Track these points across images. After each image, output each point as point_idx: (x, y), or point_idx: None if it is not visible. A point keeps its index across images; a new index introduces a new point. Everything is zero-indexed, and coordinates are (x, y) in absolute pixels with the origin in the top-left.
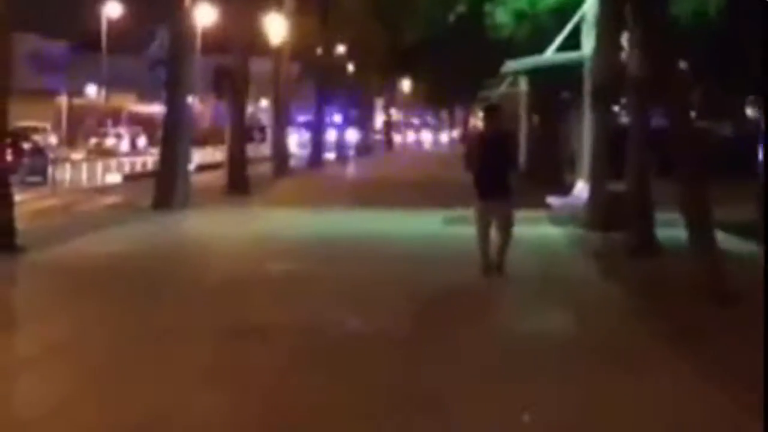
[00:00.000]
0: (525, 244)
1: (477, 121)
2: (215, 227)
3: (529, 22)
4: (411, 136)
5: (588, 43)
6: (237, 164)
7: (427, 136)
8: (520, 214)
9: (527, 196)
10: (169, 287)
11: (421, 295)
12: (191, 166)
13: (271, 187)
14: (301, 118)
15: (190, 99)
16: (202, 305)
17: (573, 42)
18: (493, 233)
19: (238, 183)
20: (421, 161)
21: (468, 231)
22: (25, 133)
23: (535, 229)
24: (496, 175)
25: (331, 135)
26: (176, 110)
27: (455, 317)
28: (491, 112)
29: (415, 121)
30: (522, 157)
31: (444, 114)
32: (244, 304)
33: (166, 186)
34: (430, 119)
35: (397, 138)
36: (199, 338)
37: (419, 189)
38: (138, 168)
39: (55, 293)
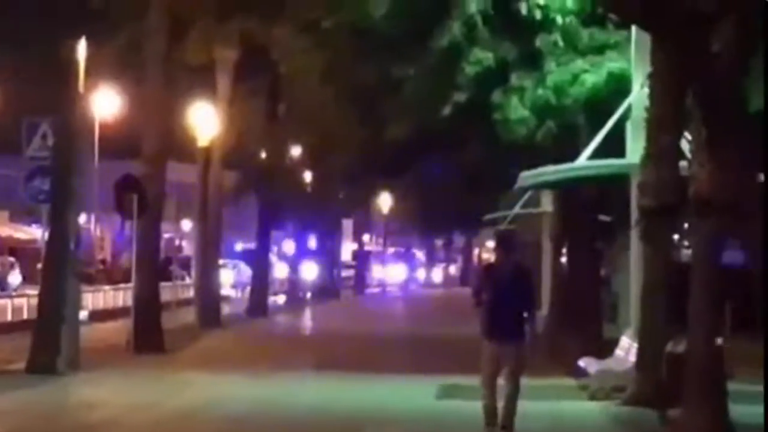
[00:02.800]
0: (546, 427)
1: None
2: (115, 402)
3: (554, 119)
4: (392, 270)
5: (635, 149)
6: (147, 311)
7: (413, 272)
8: (541, 384)
9: (551, 357)
10: None
11: None
12: (83, 314)
13: (196, 342)
14: (239, 247)
15: (82, 219)
16: None
17: (615, 146)
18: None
19: (149, 337)
20: (406, 308)
21: (471, 407)
22: None
23: (561, 405)
24: (509, 313)
25: (280, 271)
26: (62, 235)
27: None
28: (505, 240)
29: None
30: (544, 300)
31: (437, 242)
32: None
33: (46, 341)
34: (417, 252)
35: (375, 272)
36: None
37: (403, 348)
38: (8, 316)
39: None
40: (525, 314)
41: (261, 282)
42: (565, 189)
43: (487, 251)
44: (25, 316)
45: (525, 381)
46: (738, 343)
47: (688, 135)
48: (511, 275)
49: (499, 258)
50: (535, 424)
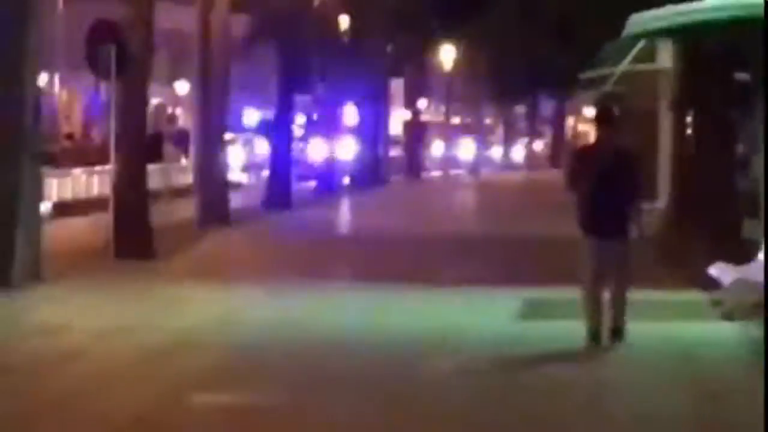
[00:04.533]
0: (669, 359)
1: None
2: (85, 325)
3: None
4: (458, 147)
5: None
6: (131, 203)
7: (486, 150)
8: (661, 299)
9: (673, 264)
10: None
11: None
12: (45, 207)
13: (195, 245)
14: (253, 118)
15: (42, 81)
16: None
17: None
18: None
19: (133, 237)
20: (476, 198)
21: (564, 329)
22: None
23: (689, 326)
24: (611, 204)
25: (310, 148)
26: (15, 103)
27: None
28: (606, 115)
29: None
30: (662, 188)
31: (518, 110)
32: None
33: None
34: (491, 123)
35: (435, 150)
36: None
37: (474, 253)
38: None
39: None
40: (633, 205)
41: (282, 163)
42: (689, 38)
43: (584, 122)
44: None
45: (641, 296)
46: None
47: None
48: (613, 159)
49: (601, 137)
50: (656, 351)
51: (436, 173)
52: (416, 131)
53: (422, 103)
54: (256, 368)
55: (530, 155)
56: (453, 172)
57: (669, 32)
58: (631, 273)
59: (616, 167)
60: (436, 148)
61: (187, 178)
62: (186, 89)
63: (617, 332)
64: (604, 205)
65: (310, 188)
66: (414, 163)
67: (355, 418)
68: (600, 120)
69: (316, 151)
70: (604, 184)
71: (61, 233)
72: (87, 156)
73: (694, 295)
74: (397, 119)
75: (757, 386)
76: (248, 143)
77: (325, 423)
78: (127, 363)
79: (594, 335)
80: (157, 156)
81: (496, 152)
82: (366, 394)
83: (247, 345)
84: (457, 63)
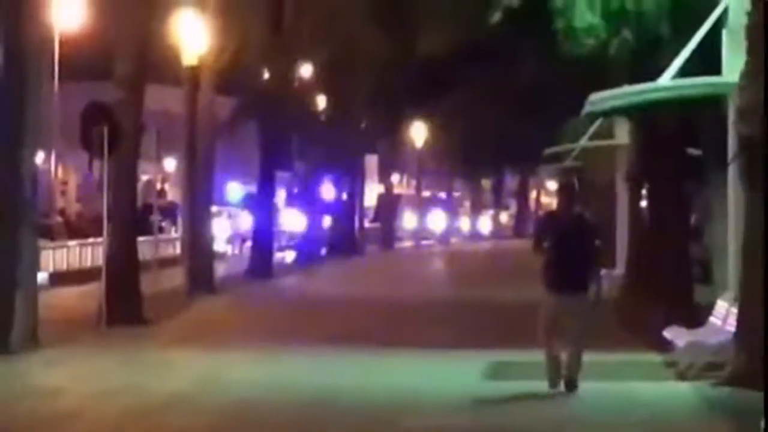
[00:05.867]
0: (624, 417)
1: (544, 195)
2: (81, 388)
3: (630, 27)
4: (428, 219)
5: (733, 64)
6: (122, 272)
7: (454, 221)
8: (618, 359)
9: (630, 327)
10: None
11: None
12: (41, 276)
13: (183, 312)
14: (237, 192)
15: (39, 159)
16: None
17: (707, 62)
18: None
19: (125, 305)
20: (446, 266)
21: (527, 389)
22: None
23: (643, 385)
24: (572, 264)
25: (287, 220)
26: (14, 179)
27: None
28: (567, 186)
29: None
30: (620, 256)
31: (485, 183)
32: None
33: None
34: (458, 194)
35: (407, 222)
36: None
37: (443, 318)
38: None
39: None
40: (591, 266)
41: (264, 235)
42: (644, 116)
43: (547, 194)
44: None
45: (600, 357)
46: None
47: None
48: (573, 224)
49: (562, 205)
50: (612, 408)
51: (408, 243)
52: (389, 204)
53: (395, 177)
54: (243, 427)
55: (496, 225)
56: (424, 242)
57: (625, 110)
58: (586, 329)
59: (575, 232)
60: (409, 219)
61: (176, 249)
62: (174, 166)
63: (571, 383)
64: (564, 265)
65: (291, 258)
66: (388, 234)
67: None
68: (561, 190)
69: (295, 223)
70: (564, 246)
71: (56, 301)
72: (81, 229)
73: (650, 357)
74: (372, 192)
75: None
76: (233, 216)
77: None
78: (120, 423)
79: (551, 383)
80: (146, 228)
81: (464, 223)
82: None
83: (234, 405)
84: (428, 139)
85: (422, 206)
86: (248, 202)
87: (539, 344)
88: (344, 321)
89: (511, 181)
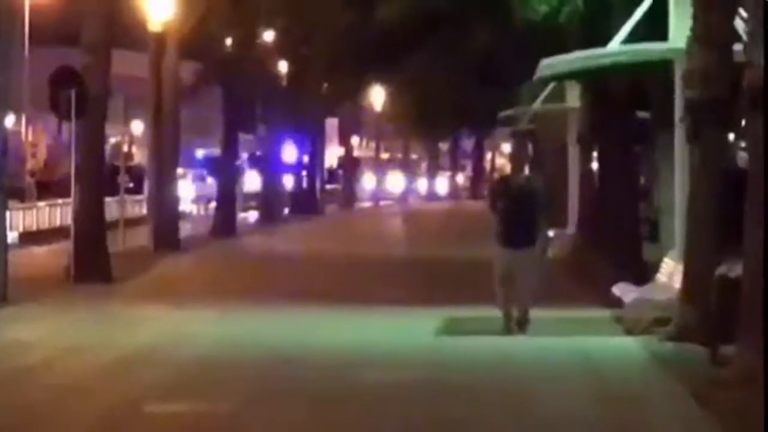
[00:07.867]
0: (573, 370)
1: (499, 157)
2: (49, 343)
3: None
4: (387, 180)
5: (679, 30)
6: (90, 231)
7: (412, 182)
8: (569, 315)
9: (580, 284)
10: None
11: None
12: (11, 236)
13: (149, 269)
14: (201, 154)
15: (9, 122)
16: None
17: (655, 28)
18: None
19: (92, 263)
20: (403, 226)
21: (478, 344)
22: None
23: (592, 340)
24: (522, 223)
25: (251, 181)
26: None
27: None
28: (518, 154)
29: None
30: (571, 215)
31: (442, 146)
32: None
33: None
34: (415, 156)
35: (366, 183)
36: None
37: (400, 275)
38: None
39: None
40: (541, 220)
41: (228, 195)
42: (594, 80)
43: (502, 156)
44: None
45: (551, 313)
46: None
47: (743, 12)
48: (524, 189)
49: (515, 167)
50: (562, 362)
51: (367, 203)
52: (349, 165)
53: (355, 140)
54: (208, 381)
55: (453, 187)
56: (383, 202)
57: (576, 75)
58: (535, 278)
59: (525, 195)
60: (368, 180)
61: (142, 209)
62: (140, 129)
63: (523, 324)
64: (515, 224)
65: (254, 218)
66: (348, 195)
67: (292, 423)
68: (513, 157)
69: (258, 184)
70: (514, 208)
71: (25, 260)
72: (50, 190)
73: (600, 313)
74: (332, 155)
75: (651, 392)
76: (197, 177)
77: (269, 426)
78: (89, 376)
79: (505, 327)
80: (113, 189)
81: (421, 184)
82: (303, 401)
83: (199, 360)
84: (386, 104)
85: (381, 168)
86: (209, 164)
87: (494, 293)
88: (305, 278)
89: (467, 144)
